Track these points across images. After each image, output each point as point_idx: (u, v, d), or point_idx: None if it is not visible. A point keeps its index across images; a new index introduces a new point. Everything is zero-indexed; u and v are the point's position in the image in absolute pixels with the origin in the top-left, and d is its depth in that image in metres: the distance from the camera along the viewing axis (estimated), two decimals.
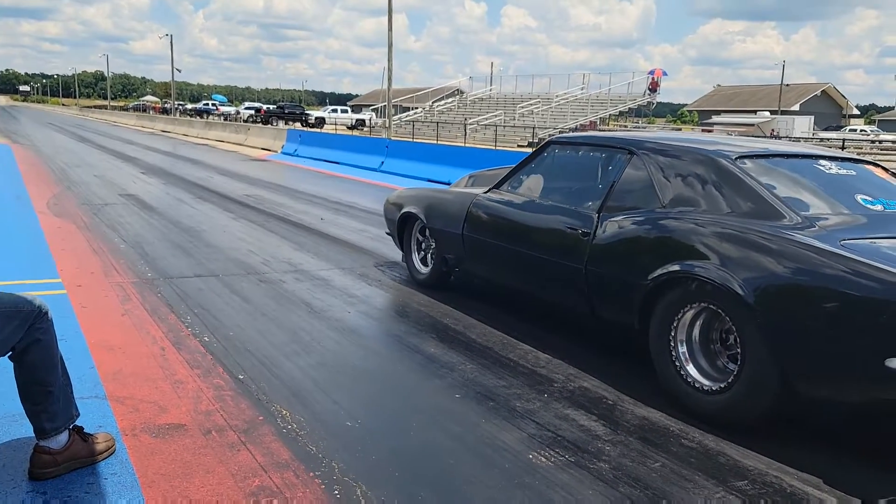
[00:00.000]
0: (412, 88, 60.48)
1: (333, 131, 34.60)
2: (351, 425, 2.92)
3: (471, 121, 36.40)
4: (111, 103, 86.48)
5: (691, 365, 3.20)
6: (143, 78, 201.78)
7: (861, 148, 24.92)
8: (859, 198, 3.31)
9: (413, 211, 5.28)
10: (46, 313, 2.33)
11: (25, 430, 2.50)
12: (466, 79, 53.36)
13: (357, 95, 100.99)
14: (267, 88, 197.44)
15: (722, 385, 3.03)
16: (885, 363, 2.46)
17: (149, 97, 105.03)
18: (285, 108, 50.14)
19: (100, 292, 4.78)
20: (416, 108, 47.18)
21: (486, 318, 4.51)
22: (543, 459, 2.69)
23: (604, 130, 32.85)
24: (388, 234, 5.99)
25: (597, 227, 3.68)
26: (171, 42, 55.78)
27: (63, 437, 2.39)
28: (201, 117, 48.91)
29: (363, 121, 46.27)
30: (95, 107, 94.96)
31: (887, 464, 2.81)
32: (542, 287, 4.22)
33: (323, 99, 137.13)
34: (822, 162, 3.63)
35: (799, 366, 2.77)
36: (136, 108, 70.73)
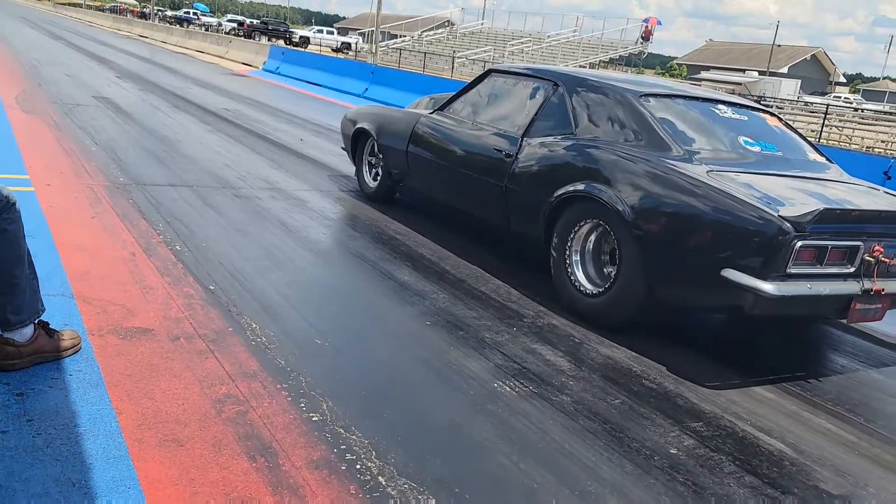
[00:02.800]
0: (402, 16, 58.83)
1: (318, 52, 33.64)
2: (321, 343, 2.93)
3: (459, 54, 35.63)
4: (87, 2, 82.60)
5: (580, 271, 3.66)
6: None
7: (843, 115, 25.04)
8: (741, 139, 3.77)
9: (366, 127, 5.56)
10: (14, 204, 2.26)
11: None
12: (458, 10, 52.02)
13: (344, 18, 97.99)
14: (251, 2, 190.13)
15: (601, 289, 3.51)
16: (721, 273, 2.91)
17: None
18: (269, 24, 48.42)
19: (69, 193, 4.67)
20: (405, 36, 45.97)
21: (462, 252, 4.51)
22: (507, 389, 2.74)
23: None
24: (343, 148, 6.21)
25: (518, 150, 4.07)
26: None
27: (28, 331, 2.36)
28: (181, 25, 47.10)
29: (349, 44, 44.98)
30: (70, 4, 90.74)
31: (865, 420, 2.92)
32: (469, 203, 4.60)
33: (309, 18, 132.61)
34: (720, 106, 4.06)
35: (659, 275, 3.24)
36: (112, 10, 67.72)
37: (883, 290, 3.06)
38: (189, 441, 2.12)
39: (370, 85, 16.47)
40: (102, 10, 65.16)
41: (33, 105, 8.18)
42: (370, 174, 5.71)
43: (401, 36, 46.42)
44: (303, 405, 2.41)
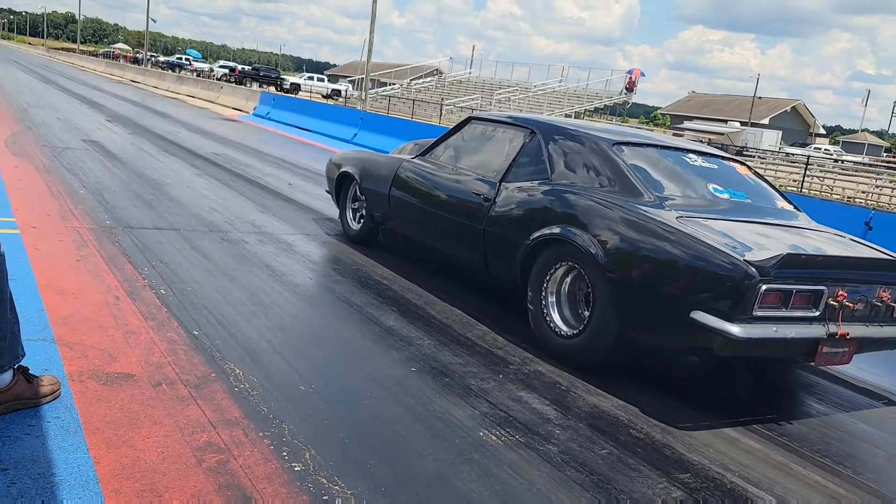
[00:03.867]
0: (391, 64, 59.88)
1: (308, 98, 34.07)
2: (304, 389, 2.90)
3: (447, 101, 36.22)
4: (80, 47, 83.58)
5: (556, 313, 3.73)
6: (116, 25, 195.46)
7: (824, 166, 25.57)
8: (711, 186, 3.91)
9: (350, 171, 5.68)
10: None
11: None
12: (447, 59, 53.06)
13: (335, 65, 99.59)
14: (243, 48, 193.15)
15: (576, 331, 3.58)
16: (690, 315, 2.99)
17: (120, 45, 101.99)
18: (260, 71, 49.13)
19: (55, 236, 4.64)
20: (394, 83, 46.74)
21: (447, 296, 4.51)
22: (493, 438, 2.71)
23: None
24: (327, 191, 6.34)
25: (496, 194, 4.19)
26: None
27: (7, 376, 2.32)
28: (173, 71, 47.62)
29: (339, 91, 45.66)
30: (64, 49, 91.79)
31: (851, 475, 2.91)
32: (449, 245, 4.71)
33: (300, 65, 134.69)
34: (690, 155, 4.23)
35: (632, 317, 3.32)
36: (106, 55, 68.48)
37: (848, 334, 3.12)
38: (168, 491, 2.07)
39: (359, 130, 16.66)
40: (96, 55, 65.89)
41: (23, 148, 8.19)
42: (353, 217, 5.81)
43: (390, 84, 47.20)
44: (285, 454, 2.37)
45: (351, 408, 2.83)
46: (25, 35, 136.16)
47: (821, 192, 20.82)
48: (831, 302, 3.08)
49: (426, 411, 2.86)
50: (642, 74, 40.23)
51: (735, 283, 2.89)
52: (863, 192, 20.51)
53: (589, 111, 38.99)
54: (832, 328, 3.09)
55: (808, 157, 22.98)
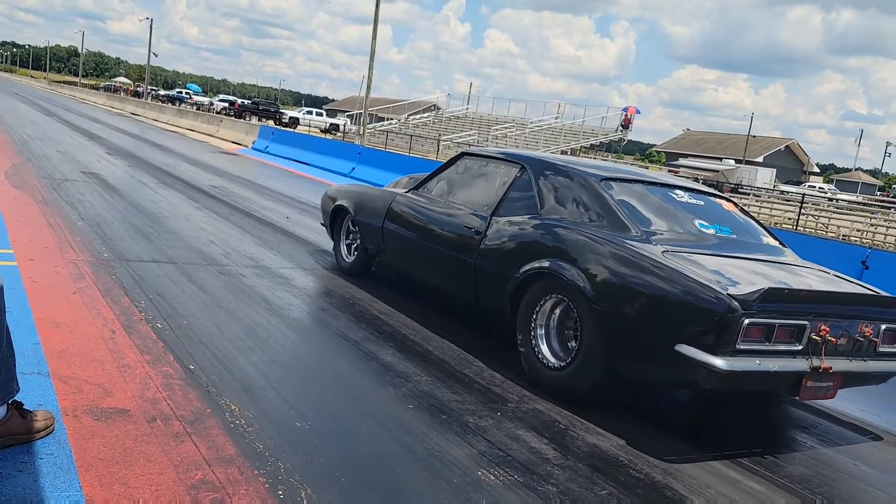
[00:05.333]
0: (389, 99, 60.55)
1: (307, 133, 34.35)
2: (301, 426, 2.87)
3: (445, 137, 36.55)
4: (82, 80, 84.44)
5: (545, 345, 3.77)
6: (118, 59, 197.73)
7: (819, 205, 25.77)
8: (697, 222, 3.98)
9: (344, 204, 5.75)
10: None
11: None
12: (444, 95, 53.72)
13: (333, 100, 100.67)
14: (243, 83, 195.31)
15: (563, 363, 3.61)
16: (675, 348, 3.01)
17: (122, 78, 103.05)
18: (260, 105, 49.64)
19: (52, 268, 4.63)
20: (392, 118, 47.20)
21: (445, 332, 4.49)
22: (492, 478, 2.67)
23: None
24: (322, 224, 6.40)
25: (487, 228, 4.25)
26: (151, 26, 54.97)
27: (0, 412, 2.29)
28: (174, 104, 48.06)
29: (337, 125, 46.06)
30: (65, 82, 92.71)
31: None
32: (441, 277, 4.78)
33: (299, 100, 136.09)
34: (677, 191, 4.31)
35: (619, 349, 3.36)
36: (107, 89, 69.17)
37: (831, 368, 3.15)
38: None
39: (357, 165, 16.77)
40: (97, 89, 66.55)
41: (22, 179, 8.22)
42: (348, 250, 5.85)
43: (388, 118, 47.66)
44: (280, 493, 2.33)
45: (348, 445, 2.79)
46: (28, 68, 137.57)
47: (816, 230, 20.95)
48: (814, 336, 3.10)
49: (424, 450, 2.83)
50: (638, 112, 40.73)
51: (719, 316, 2.93)
52: (858, 231, 20.64)
53: (585, 148, 39.36)
54: (815, 362, 3.11)
55: (804, 195, 23.18)
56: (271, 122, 40.72)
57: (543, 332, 3.79)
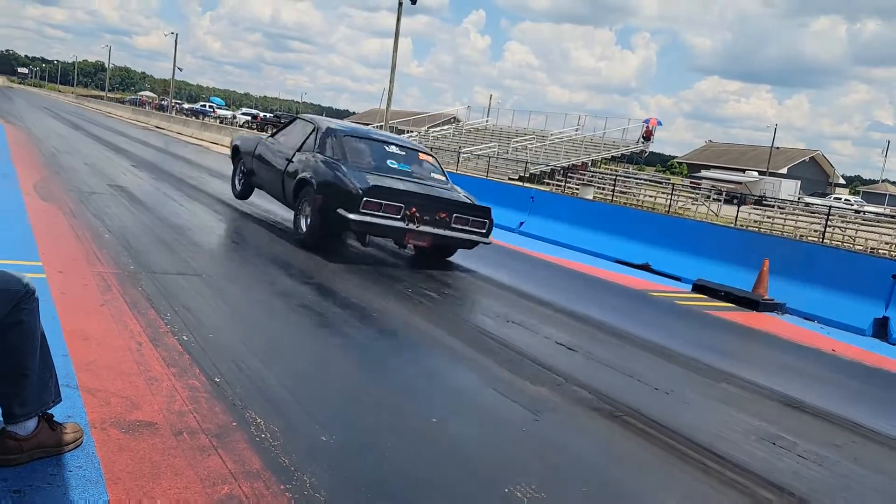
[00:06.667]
0: (410, 111, 60.84)
1: None
2: (326, 440, 2.86)
3: (464, 149, 36.61)
4: (108, 94, 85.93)
5: (302, 220, 6.94)
6: (143, 73, 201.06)
7: (845, 217, 25.38)
8: (388, 161, 7.28)
9: (238, 143, 9.69)
10: (33, 294, 2.27)
11: None
12: (464, 108, 53.86)
13: (354, 113, 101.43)
14: (265, 96, 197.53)
15: (304, 229, 6.87)
16: (337, 211, 6.26)
17: (147, 92, 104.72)
18: (281, 118, 50.10)
19: (80, 280, 4.69)
20: (412, 131, 47.40)
21: (487, 346, 4.47)
22: (518, 494, 2.64)
23: (585, 170, 33.21)
24: (230, 157, 9.98)
25: (292, 158, 7.54)
26: (176, 41, 55.89)
27: (31, 424, 2.31)
28: (197, 118, 48.73)
29: None
30: (92, 96, 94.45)
31: None
32: (272, 186, 8.11)
33: (319, 112, 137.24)
34: (391, 146, 7.61)
35: (326, 217, 6.50)
36: (132, 102, 70.35)
37: (419, 228, 6.44)
38: None
39: None
40: (123, 102, 67.68)
41: (50, 192, 8.36)
42: (239, 178, 9.39)
43: (408, 131, 47.85)
44: None
45: (374, 461, 2.78)
46: (56, 83, 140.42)
47: (843, 242, 20.63)
48: (407, 212, 6.33)
49: (453, 464, 2.80)
50: (659, 124, 40.44)
51: (352, 197, 6.23)
52: (886, 244, 20.28)
53: (606, 159, 39.19)
54: (411, 226, 6.39)
55: (830, 207, 22.83)
56: None
57: (302, 213, 6.94)
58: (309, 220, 6.70)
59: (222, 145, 26.19)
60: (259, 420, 2.93)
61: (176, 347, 3.66)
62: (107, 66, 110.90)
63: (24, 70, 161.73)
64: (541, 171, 33.34)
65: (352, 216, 6.09)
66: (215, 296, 4.82)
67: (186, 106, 69.55)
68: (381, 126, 32.74)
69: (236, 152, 9.43)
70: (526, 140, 39.18)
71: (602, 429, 3.50)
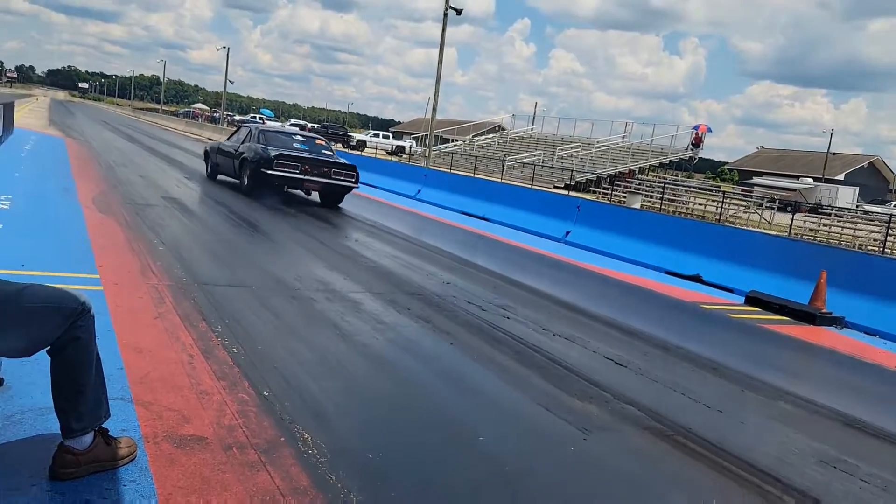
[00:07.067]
0: (454, 120, 61.07)
1: (373, 155, 34.96)
2: (372, 457, 2.85)
3: (509, 158, 36.52)
4: (163, 107, 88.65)
5: (245, 180, 12.23)
6: (196, 86, 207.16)
7: None
8: (295, 144, 12.63)
9: (206, 148, 14.96)
10: (89, 311, 2.32)
11: (52, 424, 2.49)
12: (509, 116, 53.81)
13: (399, 122, 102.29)
14: (313, 107, 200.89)
15: (245, 183, 12.32)
16: (261, 170, 11.57)
17: (199, 105, 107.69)
18: (329, 128, 51.01)
19: (135, 292, 4.81)
20: (457, 140, 47.54)
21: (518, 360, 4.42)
22: None
23: (632, 178, 32.71)
24: (203, 158, 15.33)
25: (240, 147, 12.58)
26: (228, 54, 57.33)
27: (88, 438, 2.36)
28: None
29: (403, 147, 46.76)
30: (147, 109, 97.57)
31: None
32: (229, 170, 12.97)
33: (366, 122, 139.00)
34: (298, 136, 13.57)
35: (256, 175, 11.71)
36: (185, 115, 72.40)
37: (311, 178, 11.55)
38: None
39: (423, 187, 16.93)
40: (177, 115, 69.68)
41: (108, 205, 8.63)
42: (209, 167, 14.42)
43: (453, 140, 48.03)
44: None
45: (420, 478, 2.76)
46: (114, 97, 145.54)
47: None
48: (302, 168, 11.42)
49: (501, 480, 2.76)
50: (709, 130, 39.63)
51: (268, 159, 11.30)
52: None
53: (653, 167, 38.58)
54: (306, 177, 11.48)
55: (891, 215, 21.96)
56: (340, 145, 41.68)
57: (245, 175, 12.07)
58: (247, 180, 11.92)
59: None
60: (307, 436, 2.95)
61: (226, 360, 3.72)
62: (162, 79, 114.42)
63: (85, 85, 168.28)
64: (586, 179, 33.01)
65: (269, 172, 11.22)
66: (264, 308, 4.88)
67: (237, 117, 71.19)
68: (427, 135, 32.92)
69: (206, 154, 14.88)
70: (571, 148, 38.87)
71: (653, 449, 3.41)
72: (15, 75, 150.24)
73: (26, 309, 2.16)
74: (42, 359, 2.38)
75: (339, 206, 12.46)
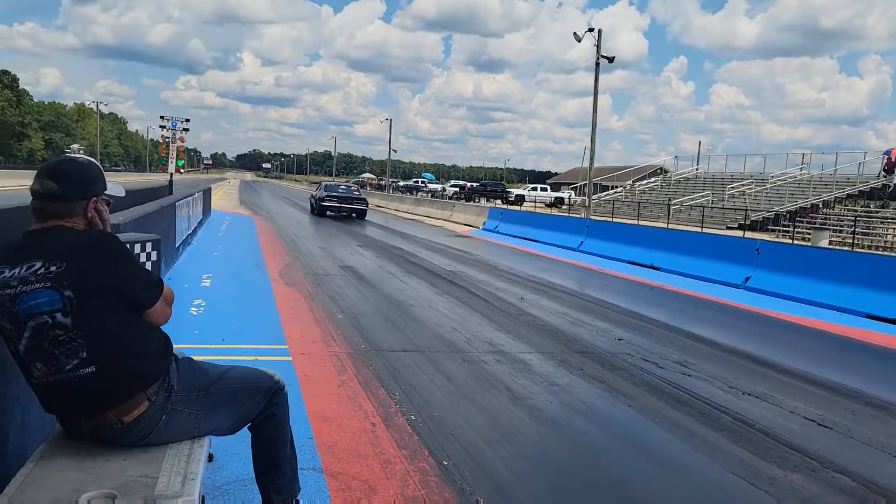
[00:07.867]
0: (613, 167, 60.04)
1: (532, 209, 35.15)
2: None
3: (675, 201, 35.07)
4: (335, 179, 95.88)
5: (313, 208, 27.55)
6: (363, 157, 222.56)
7: None
8: (340, 190, 26.59)
9: (311, 197, 29.21)
10: (283, 389, 2.50)
11: (253, 496, 2.66)
12: (671, 157, 51.97)
13: (556, 174, 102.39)
14: (471, 166, 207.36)
15: (314, 210, 27.53)
16: (318, 202, 26.81)
17: (367, 174, 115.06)
18: (487, 186, 52.06)
19: (319, 361, 5.13)
20: (617, 186, 46.60)
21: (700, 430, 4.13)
22: None
23: (817, 213, 29.89)
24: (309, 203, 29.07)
25: (316, 193, 28.47)
26: (390, 125, 61.18)
27: None
28: (411, 194, 52.28)
29: (562, 199, 46.55)
30: (322, 182, 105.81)
31: None
32: (312, 207, 27.81)
33: (523, 176, 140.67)
34: (340, 186, 28.47)
35: (318, 206, 26.10)
36: (356, 184, 77.46)
37: (341, 206, 25.09)
38: None
39: (585, 238, 16.67)
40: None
41: (292, 277, 9.37)
42: (313, 207, 26.93)
43: (613, 187, 47.12)
44: None
45: None
46: (293, 173, 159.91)
47: None
48: (338, 201, 25.10)
49: None
50: None
51: (322, 198, 25.11)
52: None
53: (840, 199, 35.23)
54: (340, 205, 24.98)
55: None
56: (499, 202, 42.41)
57: (316, 207, 25.88)
58: (315, 209, 25.31)
59: (435, 217, 27.79)
60: None
61: (405, 428, 3.82)
62: (333, 154, 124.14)
63: (268, 165, 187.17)
64: (763, 217, 30.80)
65: (322, 204, 24.26)
66: (437, 373, 4.99)
67: (402, 183, 75.06)
68: (585, 185, 32.57)
69: (312, 199, 27.14)
70: (743, 185, 36.59)
71: None
72: (210, 162, 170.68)
73: (231, 390, 2.37)
74: (242, 431, 2.58)
75: (499, 265, 12.51)
